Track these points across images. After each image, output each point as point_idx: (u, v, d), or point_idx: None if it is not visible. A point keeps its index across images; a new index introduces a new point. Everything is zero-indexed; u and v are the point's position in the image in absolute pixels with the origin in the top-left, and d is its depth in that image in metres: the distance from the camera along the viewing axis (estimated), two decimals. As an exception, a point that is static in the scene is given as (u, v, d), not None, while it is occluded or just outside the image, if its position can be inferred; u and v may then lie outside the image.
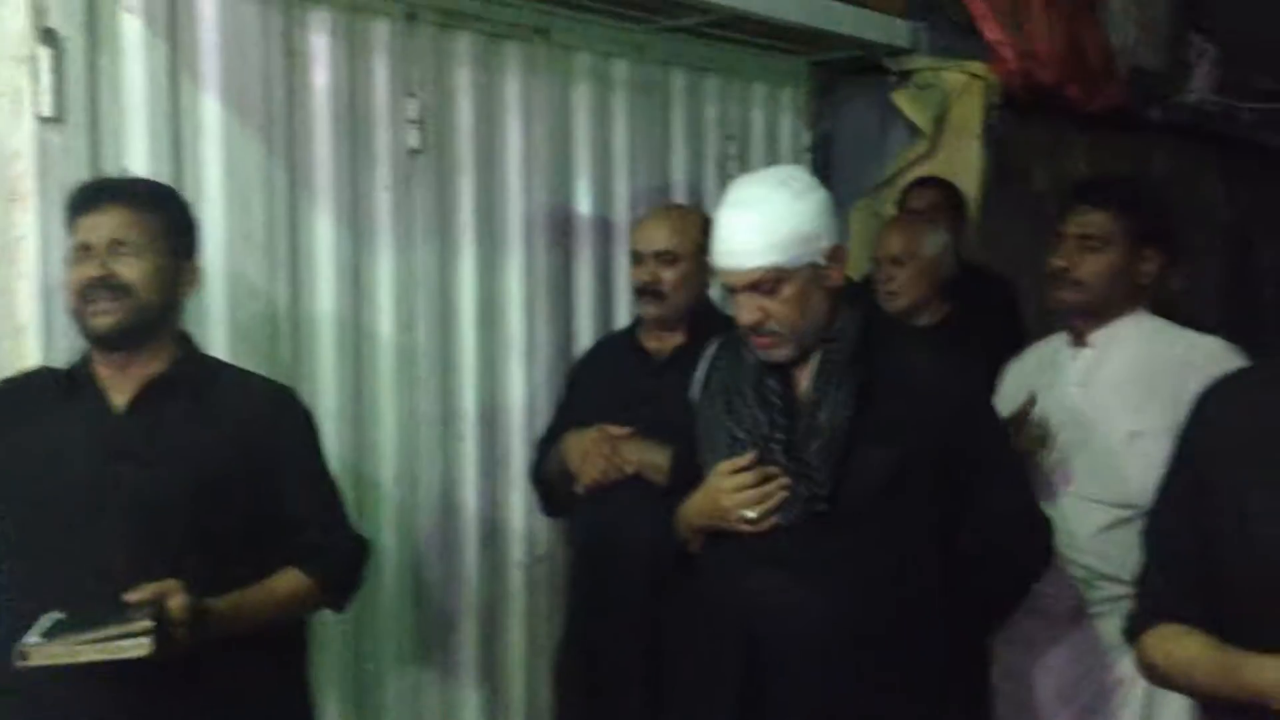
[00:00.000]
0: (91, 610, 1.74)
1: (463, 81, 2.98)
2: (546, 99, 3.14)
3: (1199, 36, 5.18)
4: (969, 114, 3.94)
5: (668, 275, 2.61)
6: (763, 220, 1.91)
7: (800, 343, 1.97)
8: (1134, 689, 2.37)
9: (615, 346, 2.83)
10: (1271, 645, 1.39)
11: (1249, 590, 1.46)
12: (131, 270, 1.92)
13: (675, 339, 2.65)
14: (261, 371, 2.24)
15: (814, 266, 1.94)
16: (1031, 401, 2.48)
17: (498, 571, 3.09)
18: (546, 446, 2.78)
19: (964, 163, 3.93)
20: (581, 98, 3.25)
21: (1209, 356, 2.30)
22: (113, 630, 1.70)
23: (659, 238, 2.63)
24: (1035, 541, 2.08)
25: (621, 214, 3.33)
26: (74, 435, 1.94)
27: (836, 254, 1.98)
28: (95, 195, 1.98)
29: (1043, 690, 2.54)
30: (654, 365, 2.66)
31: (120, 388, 1.97)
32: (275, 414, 2.06)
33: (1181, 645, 1.54)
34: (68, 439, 1.93)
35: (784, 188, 1.95)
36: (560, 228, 3.20)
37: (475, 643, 3.05)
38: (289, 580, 1.99)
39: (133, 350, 1.96)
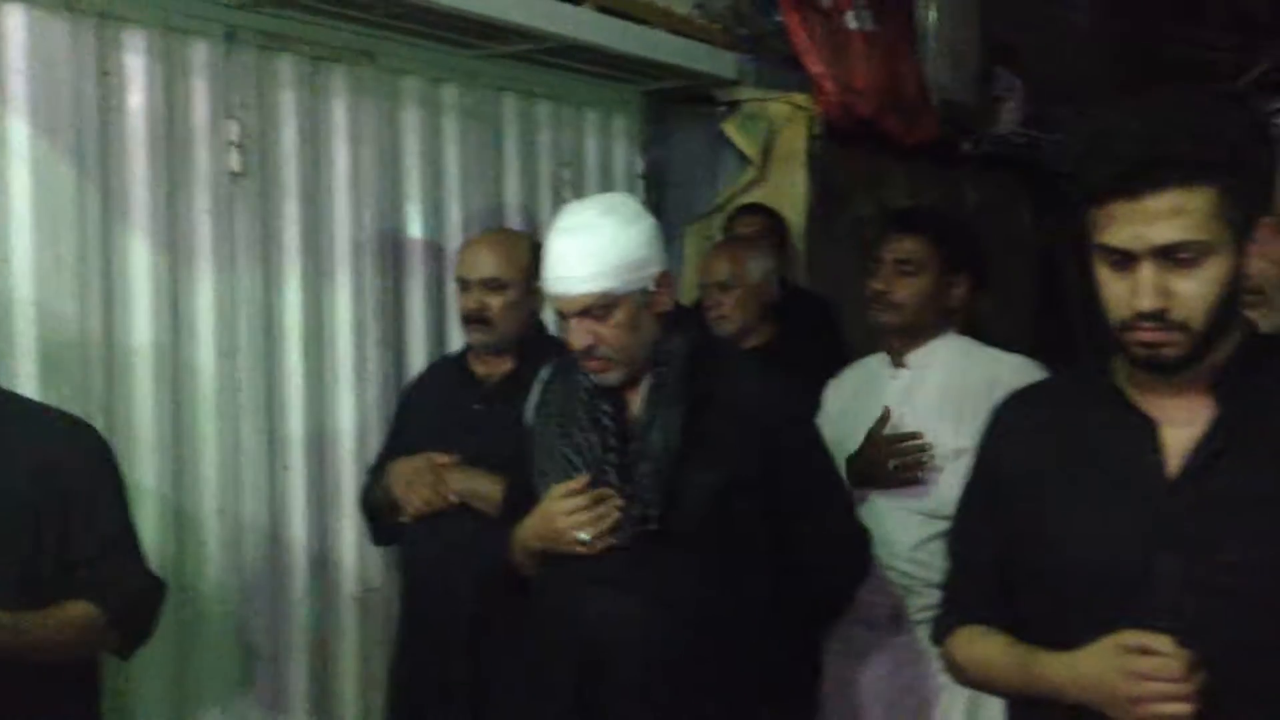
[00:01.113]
0: None
1: (286, 104, 2.92)
2: (374, 122, 3.11)
3: (1006, 72, 5.47)
4: (794, 144, 4.07)
5: (494, 302, 2.59)
6: (593, 247, 1.94)
7: (631, 366, 2.01)
8: (958, 694, 2.48)
9: (445, 372, 2.81)
10: (1065, 643, 1.46)
11: (1045, 592, 1.53)
12: None
13: (505, 365, 2.64)
14: (75, 402, 2.15)
15: (644, 292, 1.99)
16: (885, 419, 2.57)
17: (329, 604, 3.02)
18: (376, 474, 2.74)
19: (789, 190, 4.06)
20: (411, 122, 3.23)
21: (1016, 373, 2.42)
22: None
23: (484, 264, 2.62)
24: (854, 553, 2.16)
25: (454, 238, 3.31)
26: None
27: (665, 279, 2.03)
28: None
29: (868, 698, 2.62)
30: (483, 392, 2.64)
31: None
32: (69, 449, 1.98)
33: (983, 646, 1.60)
34: None
35: (614, 215, 1.98)
36: (391, 252, 3.17)
37: (307, 677, 2.97)
38: (76, 611, 1.89)
39: None
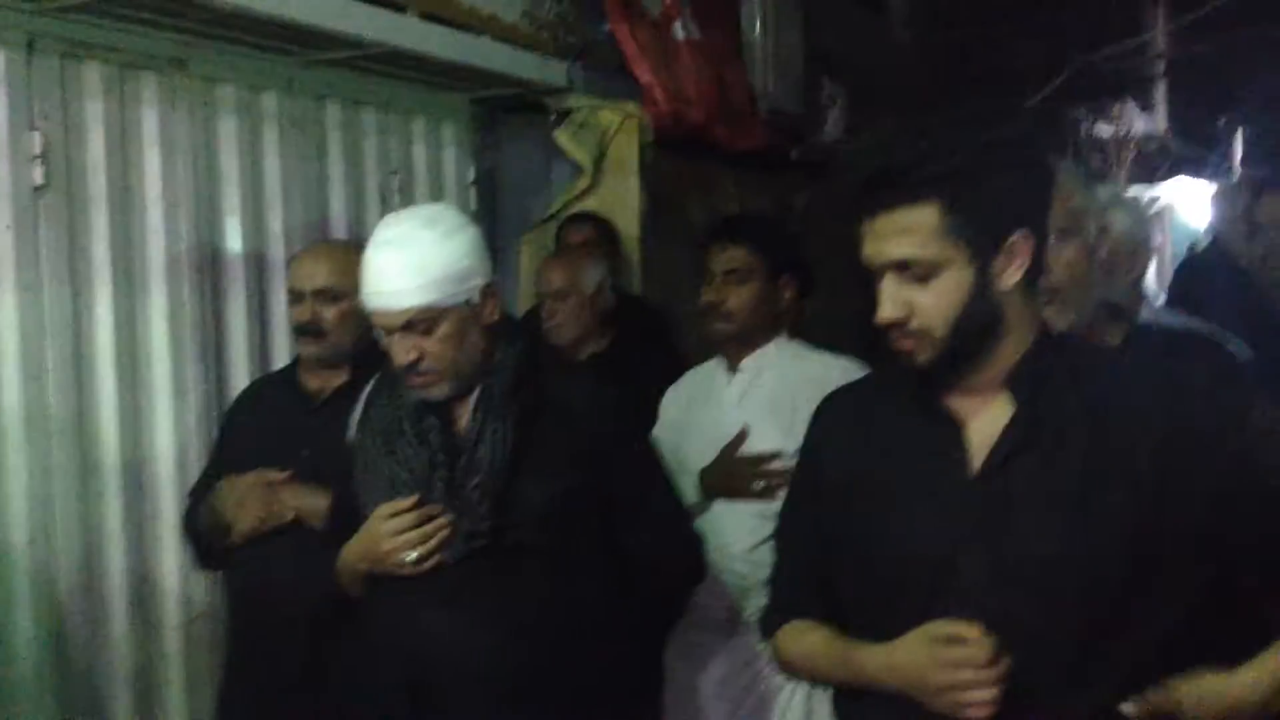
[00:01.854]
0: None
1: (93, 114, 2.79)
2: (188, 132, 3.00)
3: (830, 82, 5.62)
4: (625, 152, 4.09)
5: (328, 313, 2.53)
6: (413, 260, 1.90)
7: (458, 380, 1.98)
8: (798, 691, 2.53)
9: (273, 388, 2.72)
10: (883, 635, 1.52)
11: (863, 587, 1.59)
12: None
13: (338, 378, 2.58)
14: None
15: (468, 304, 1.95)
16: (742, 437, 2.60)
17: (152, 634, 2.89)
18: (198, 496, 2.63)
19: (622, 198, 4.08)
20: (228, 131, 3.12)
21: (845, 375, 2.47)
22: None
23: (318, 274, 2.55)
24: (688, 557, 2.18)
25: (277, 251, 3.22)
26: None
27: (490, 290, 2.00)
28: None
29: (710, 701, 2.66)
30: (314, 406, 2.58)
31: None
32: None
33: (808, 640, 1.66)
34: None
35: (434, 226, 1.94)
36: (209, 266, 3.06)
37: (129, 712, 2.83)
38: None
39: None
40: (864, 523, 1.58)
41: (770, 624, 1.74)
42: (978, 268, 1.48)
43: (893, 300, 1.48)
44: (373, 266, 1.93)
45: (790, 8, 5.20)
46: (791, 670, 1.77)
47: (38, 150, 2.65)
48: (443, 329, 1.92)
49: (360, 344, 2.58)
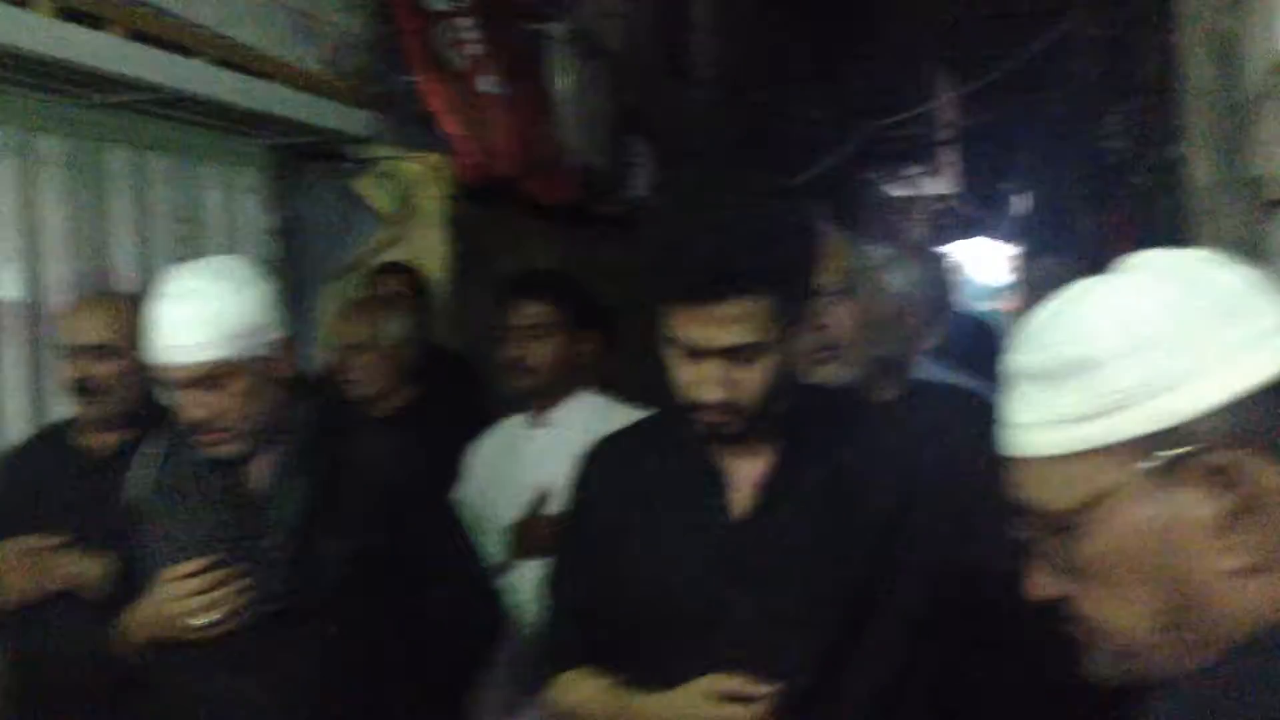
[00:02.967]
0: None
1: None
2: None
3: (637, 138, 5.74)
4: (430, 202, 4.06)
5: (103, 370, 2.39)
6: (203, 313, 1.82)
7: (251, 437, 1.90)
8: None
9: (46, 446, 2.55)
10: (658, 680, 1.55)
11: (632, 633, 1.63)
12: None
13: (117, 437, 2.43)
14: None
15: (263, 359, 1.88)
16: (545, 494, 2.56)
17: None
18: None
19: (428, 249, 4.04)
20: (3, 175, 2.94)
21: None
22: None
23: (90, 330, 2.41)
24: (486, 614, 2.14)
25: (56, 301, 3.03)
26: None
27: (285, 344, 1.93)
28: None
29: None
30: (91, 466, 2.42)
31: None
32: None
33: (583, 688, 1.67)
34: None
35: (226, 279, 1.87)
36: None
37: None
38: None
39: None
40: (630, 568, 1.63)
41: (545, 675, 1.74)
42: (785, 346, 1.57)
43: (718, 382, 1.54)
44: (160, 319, 1.84)
45: (596, 66, 5.29)
46: None
47: None
48: (235, 385, 1.84)
49: (141, 401, 2.46)
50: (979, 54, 9.12)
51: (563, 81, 5.08)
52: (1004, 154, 13.36)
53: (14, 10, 2.62)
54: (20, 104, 2.96)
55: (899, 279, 2.30)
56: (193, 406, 1.84)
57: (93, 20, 2.87)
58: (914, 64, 10.70)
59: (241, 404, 1.86)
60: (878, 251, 2.35)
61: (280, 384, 1.92)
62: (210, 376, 1.83)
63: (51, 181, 3.06)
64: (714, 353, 1.53)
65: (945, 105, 11.78)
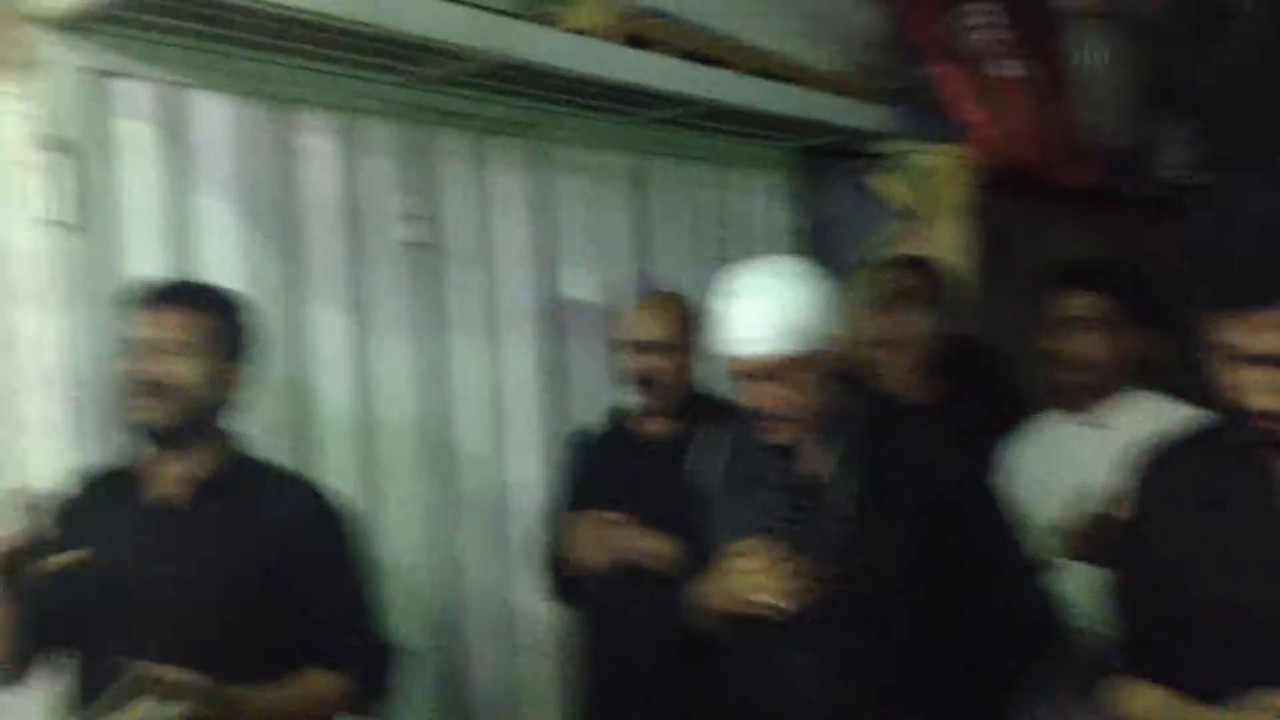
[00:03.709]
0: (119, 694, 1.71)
1: (452, 176, 3.05)
2: (532, 190, 3.21)
3: (1170, 113, 5.29)
4: (951, 194, 4.01)
5: (663, 365, 2.64)
6: (775, 309, 1.95)
7: (809, 426, 2.00)
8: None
9: (614, 432, 2.82)
10: (1222, 688, 1.56)
11: (1202, 640, 1.65)
12: (182, 370, 1.94)
13: (668, 427, 2.66)
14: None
15: (823, 352, 1.98)
16: (1106, 495, 2.48)
17: (514, 655, 3.13)
18: (549, 530, 2.77)
19: (948, 241, 3.99)
20: (570, 189, 3.31)
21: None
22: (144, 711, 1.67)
23: (652, 328, 2.66)
24: (1041, 614, 2.08)
25: (614, 299, 3.35)
26: (121, 532, 1.94)
27: (838, 339, 2.02)
28: (156, 295, 2.01)
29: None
30: (652, 451, 2.67)
31: (167, 486, 1.99)
32: (311, 515, 2.05)
33: (1143, 697, 1.73)
34: (116, 535, 1.93)
35: (792, 278, 1.99)
36: (555, 314, 3.25)
37: None
38: (318, 680, 1.96)
39: (180, 449, 1.98)
40: (1197, 574, 1.63)
41: (1103, 680, 1.80)
42: None
43: (1277, 389, 1.54)
44: (732, 315, 1.98)
45: (1122, 39, 4.96)
46: None
47: (408, 209, 2.91)
48: (799, 375, 1.95)
49: (688, 393, 2.66)
50: None
51: (1086, 57, 4.81)
52: None
53: (585, 40, 2.95)
54: (587, 125, 3.31)
55: None
56: (760, 396, 1.97)
57: (645, 43, 3.15)
58: None
59: (804, 395, 1.96)
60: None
61: (833, 376, 2.01)
62: (779, 368, 1.94)
63: (615, 193, 3.40)
64: (1267, 360, 1.49)
65: None
